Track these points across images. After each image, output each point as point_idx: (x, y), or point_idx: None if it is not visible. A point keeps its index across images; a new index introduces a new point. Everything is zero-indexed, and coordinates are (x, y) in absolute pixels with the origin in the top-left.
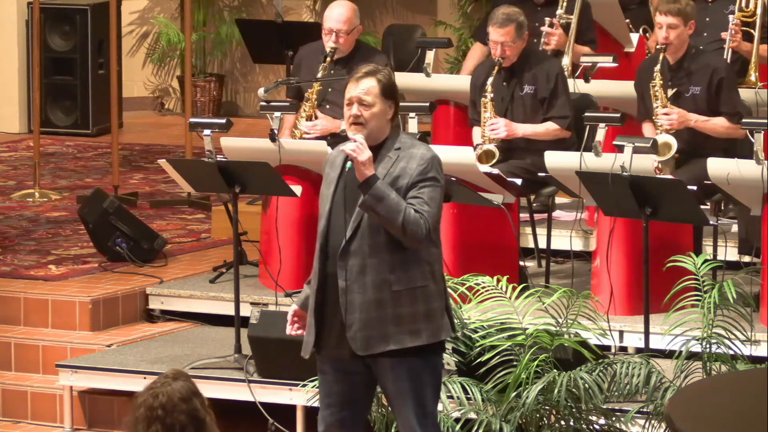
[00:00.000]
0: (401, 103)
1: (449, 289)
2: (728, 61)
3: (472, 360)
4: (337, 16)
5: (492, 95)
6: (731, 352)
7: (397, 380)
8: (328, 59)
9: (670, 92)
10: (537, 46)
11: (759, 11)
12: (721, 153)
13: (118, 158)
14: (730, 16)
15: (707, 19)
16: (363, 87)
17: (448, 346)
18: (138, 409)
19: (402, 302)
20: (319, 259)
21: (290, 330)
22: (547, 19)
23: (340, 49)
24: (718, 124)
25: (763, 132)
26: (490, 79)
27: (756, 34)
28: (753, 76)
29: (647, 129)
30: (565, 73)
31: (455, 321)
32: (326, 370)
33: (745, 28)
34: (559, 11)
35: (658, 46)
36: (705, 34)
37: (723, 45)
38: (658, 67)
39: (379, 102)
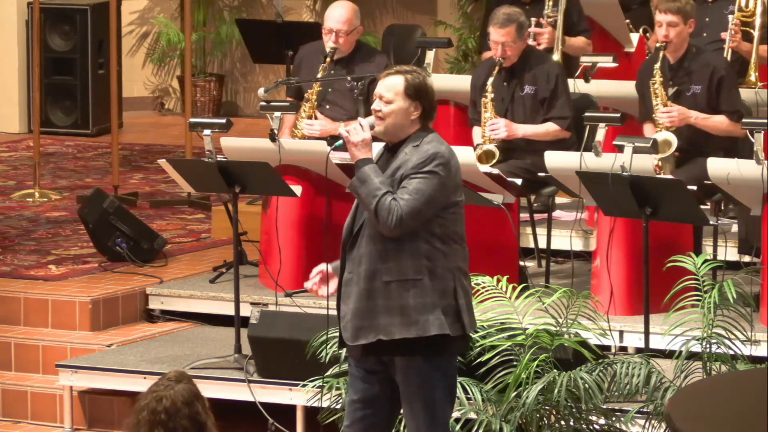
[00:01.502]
0: None
1: None
2: (728, 60)
3: (472, 360)
4: (338, 17)
5: (492, 95)
6: (731, 352)
7: (407, 382)
8: (328, 59)
9: (671, 91)
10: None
11: (758, 11)
12: (721, 152)
13: (118, 158)
14: (730, 16)
15: (707, 19)
16: (386, 83)
17: None
18: (141, 413)
19: (392, 294)
20: (342, 256)
21: (308, 284)
22: (534, 19)
23: (340, 50)
24: (718, 122)
25: (763, 132)
26: (491, 80)
27: (755, 34)
28: (753, 76)
29: (648, 130)
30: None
31: (468, 321)
32: (351, 366)
33: (744, 28)
34: (546, 11)
35: (658, 45)
36: (705, 35)
37: (723, 45)
38: (657, 65)
39: (399, 100)
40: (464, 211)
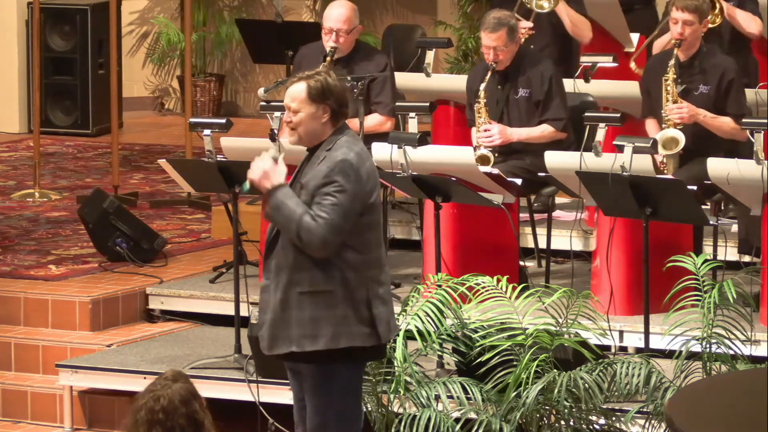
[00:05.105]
0: (401, 103)
1: (449, 289)
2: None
3: (472, 360)
4: (337, 16)
5: (485, 101)
6: (731, 352)
7: (306, 386)
8: (328, 59)
9: (679, 89)
10: (529, 46)
11: None
12: (722, 153)
13: (118, 158)
14: None
15: None
16: (290, 93)
17: (448, 346)
18: (138, 412)
19: (304, 305)
20: (264, 263)
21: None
22: None
23: (340, 49)
24: (724, 123)
25: (763, 132)
26: (483, 85)
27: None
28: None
29: (650, 125)
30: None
31: (383, 330)
32: (286, 369)
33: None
34: None
35: (672, 41)
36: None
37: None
38: (672, 62)
39: (306, 107)
40: (380, 214)
